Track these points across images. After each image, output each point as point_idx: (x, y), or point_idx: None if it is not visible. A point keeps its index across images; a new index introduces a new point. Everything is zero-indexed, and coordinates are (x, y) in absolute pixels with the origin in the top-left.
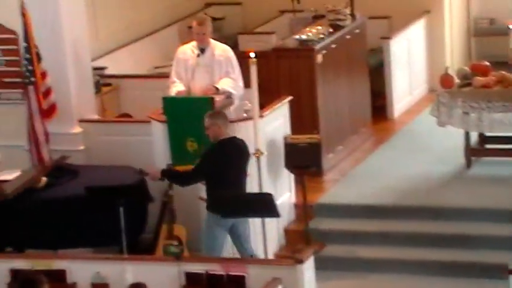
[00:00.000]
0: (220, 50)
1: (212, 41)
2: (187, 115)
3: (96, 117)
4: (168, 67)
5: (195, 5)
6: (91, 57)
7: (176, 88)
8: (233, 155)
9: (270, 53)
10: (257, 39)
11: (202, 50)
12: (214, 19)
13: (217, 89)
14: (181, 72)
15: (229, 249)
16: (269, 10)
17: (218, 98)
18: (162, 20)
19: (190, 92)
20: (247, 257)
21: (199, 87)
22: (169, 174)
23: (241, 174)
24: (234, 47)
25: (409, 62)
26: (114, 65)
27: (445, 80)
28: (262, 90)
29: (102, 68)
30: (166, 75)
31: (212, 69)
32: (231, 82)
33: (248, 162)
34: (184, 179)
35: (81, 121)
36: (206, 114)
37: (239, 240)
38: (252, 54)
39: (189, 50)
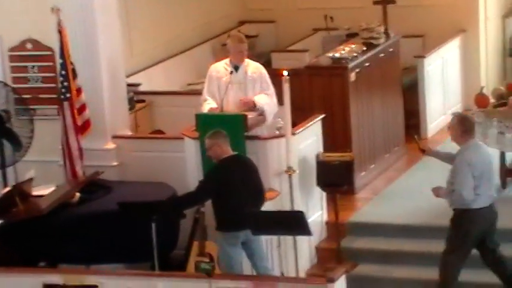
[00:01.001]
0: (254, 67)
1: (245, 59)
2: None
3: (129, 133)
4: (201, 84)
5: (229, 23)
6: (125, 73)
7: (209, 105)
8: (237, 172)
9: (303, 71)
10: (290, 57)
11: (236, 68)
12: (248, 37)
13: (254, 103)
14: (214, 90)
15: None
16: (302, 28)
17: (251, 115)
18: (196, 38)
19: (223, 110)
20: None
21: (232, 104)
22: (167, 208)
23: (251, 191)
24: (267, 64)
25: (444, 81)
26: (148, 81)
27: (480, 100)
28: (295, 108)
29: (136, 85)
30: (199, 92)
31: (245, 86)
32: (266, 98)
33: (257, 178)
34: (186, 202)
35: (115, 137)
36: (206, 135)
37: (253, 258)
38: (285, 72)
39: (222, 67)
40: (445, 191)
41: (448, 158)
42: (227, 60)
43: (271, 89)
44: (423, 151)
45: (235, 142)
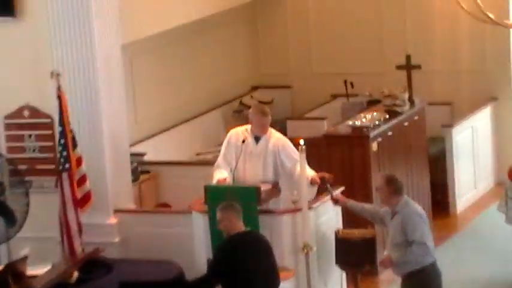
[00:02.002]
0: (276, 139)
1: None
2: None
3: (133, 207)
4: (212, 153)
5: (241, 88)
6: (129, 142)
7: (218, 175)
8: (248, 250)
9: (320, 140)
10: (307, 125)
11: (257, 138)
12: (261, 103)
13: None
14: (231, 158)
15: None
16: (320, 94)
17: (264, 188)
18: (206, 104)
19: (234, 180)
20: None
21: (248, 175)
22: None
23: (263, 272)
24: (283, 133)
25: (474, 153)
26: (153, 150)
27: None
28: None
29: (141, 154)
30: (208, 163)
31: (265, 158)
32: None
33: (270, 257)
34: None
35: (117, 211)
36: (218, 207)
37: None
38: (302, 141)
39: (242, 135)
40: (398, 255)
41: (367, 211)
42: (248, 127)
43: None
44: (336, 201)
45: (247, 216)
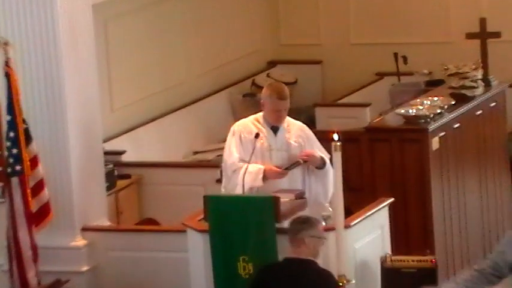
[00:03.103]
0: (297, 129)
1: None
2: (240, 222)
3: (107, 223)
4: (213, 152)
5: (254, 64)
6: (103, 136)
7: (256, 168)
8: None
9: (362, 135)
10: (343, 114)
11: (274, 129)
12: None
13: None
14: (247, 158)
15: None
16: (361, 72)
17: (285, 199)
18: (206, 86)
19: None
20: None
21: (267, 182)
22: None
23: None
24: (310, 124)
25: None
26: (134, 148)
27: None
28: (350, 188)
29: (119, 153)
30: (210, 165)
31: (288, 154)
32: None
33: None
34: None
35: (86, 230)
36: (294, 223)
37: None
38: (335, 136)
39: (253, 127)
40: None
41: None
42: (258, 117)
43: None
44: None
45: (262, 237)
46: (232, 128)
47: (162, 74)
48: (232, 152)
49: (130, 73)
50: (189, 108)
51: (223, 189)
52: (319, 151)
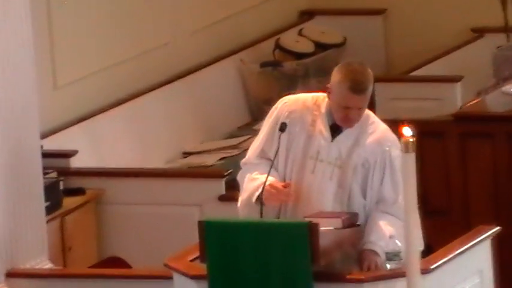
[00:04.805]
0: (375, 140)
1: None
2: (257, 263)
3: (47, 265)
4: (214, 153)
5: (279, 17)
6: (41, 130)
7: (258, 181)
8: None
9: (449, 127)
10: (419, 94)
11: (334, 129)
12: (321, 46)
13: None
14: (278, 161)
15: None
16: (448, 27)
17: (328, 227)
18: (202, 50)
19: (283, 205)
20: None
21: (311, 201)
22: None
23: None
24: (368, 107)
25: None
26: (91, 146)
27: None
28: (430, 209)
29: (66, 155)
30: (208, 173)
31: (344, 173)
32: (394, 225)
33: None
34: None
35: (13, 275)
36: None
37: None
38: (407, 131)
39: (307, 115)
40: None
41: None
42: (322, 101)
43: (401, 195)
44: None
45: (292, 283)
46: (280, 101)
47: (134, 31)
48: (257, 141)
49: (84, 30)
50: (175, 84)
51: (239, 206)
52: (393, 191)
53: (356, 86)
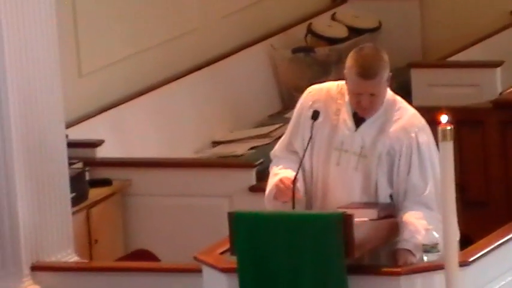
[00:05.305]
0: (401, 126)
1: (389, 93)
2: (288, 255)
3: (73, 259)
4: (244, 142)
5: (314, 1)
6: (66, 119)
7: (278, 176)
8: None
9: (488, 114)
10: (456, 80)
11: (359, 119)
12: (355, 31)
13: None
14: (303, 149)
15: None
16: (488, 10)
17: (363, 218)
18: (231, 35)
19: (311, 199)
20: None
21: (337, 193)
22: None
23: None
24: (403, 96)
25: None
26: (117, 136)
27: None
28: (469, 201)
29: (92, 144)
30: (239, 164)
31: (369, 163)
32: (427, 217)
33: None
34: None
35: (39, 269)
36: None
37: None
38: (444, 118)
39: (332, 104)
40: None
41: None
42: (345, 90)
43: (431, 182)
44: None
45: (323, 279)
46: (307, 91)
47: (161, 17)
48: (285, 134)
49: (109, 16)
50: (204, 71)
51: (265, 201)
52: (422, 180)
53: (364, 71)
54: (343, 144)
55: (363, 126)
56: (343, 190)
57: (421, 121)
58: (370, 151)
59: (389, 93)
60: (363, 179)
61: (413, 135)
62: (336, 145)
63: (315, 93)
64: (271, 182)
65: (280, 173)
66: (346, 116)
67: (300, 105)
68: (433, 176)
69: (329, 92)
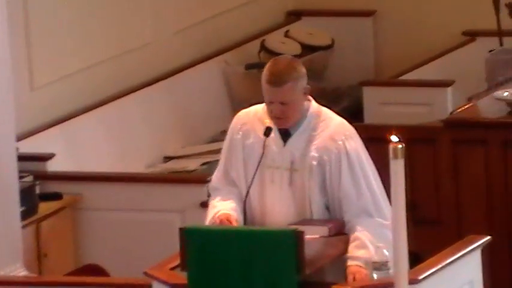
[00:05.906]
0: (328, 134)
1: (314, 106)
2: (240, 271)
3: (21, 273)
4: (196, 157)
5: (263, 17)
6: (17, 132)
7: (214, 210)
8: None
9: (439, 133)
10: (408, 98)
11: (285, 133)
12: (309, 48)
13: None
14: (238, 174)
15: None
16: (440, 30)
17: (314, 234)
18: (184, 50)
19: (251, 221)
20: None
21: (275, 211)
22: None
23: None
24: (354, 113)
25: None
26: (69, 149)
27: None
28: (419, 219)
29: (43, 158)
30: (190, 179)
31: (302, 177)
32: (375, 224)
33: None
34: None
35: None
36: None
37: None
38: (394, 138)
39: (259, 125)
40: None
41: None
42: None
43: (374, 187)
44: None
45: None
46: (235, 119)
47: (114, 31)
48: (220, 163)
49: (62, 29)
50: (157, 86)
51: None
52: (356, 187)
53: (272, 78)
54: (274, 161)
55: (291, 141)
56: (280, 206)
57: (348, 129)
58: (301, 164)
59: (315, 106)
60: (298, 193)
61: (340, 143)
62: (268, 163)
63: (243, 116)
64: (211, 213)
65: (218, 205)
66: (273, 134)
67: (230, 130)
68: (365, 182)
69: (256, 114)
